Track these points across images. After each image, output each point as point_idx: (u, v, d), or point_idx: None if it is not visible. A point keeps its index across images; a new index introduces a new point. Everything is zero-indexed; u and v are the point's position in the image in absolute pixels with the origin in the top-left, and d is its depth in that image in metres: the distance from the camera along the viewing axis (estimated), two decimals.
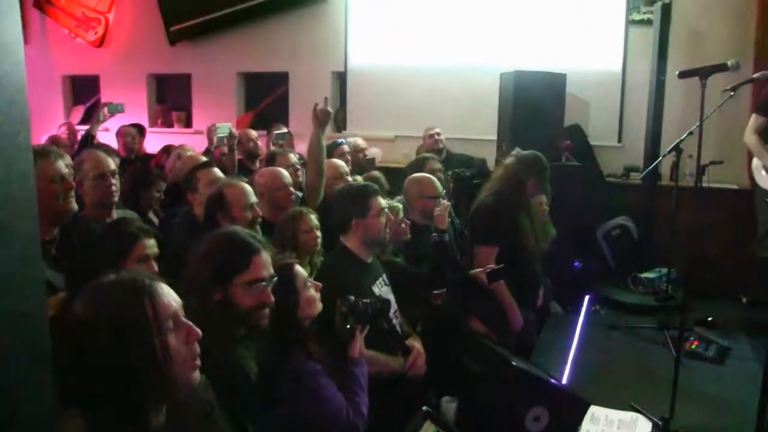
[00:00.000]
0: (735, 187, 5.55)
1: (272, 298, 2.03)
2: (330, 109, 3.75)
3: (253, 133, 5.68)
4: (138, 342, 1.33)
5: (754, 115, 4.77)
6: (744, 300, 5.19)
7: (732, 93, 3.62)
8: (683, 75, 3.52)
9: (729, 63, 3.46)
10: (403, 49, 6.96)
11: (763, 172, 4.72)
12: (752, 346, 4.51)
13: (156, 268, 2.31)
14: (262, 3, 7.42)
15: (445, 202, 3.80)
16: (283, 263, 2.26)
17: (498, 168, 4.26)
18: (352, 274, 2.92)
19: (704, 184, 3.80)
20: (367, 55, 7.18)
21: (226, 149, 4.89)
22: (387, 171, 5.39)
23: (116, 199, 3.15)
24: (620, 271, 5.68)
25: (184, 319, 1.42)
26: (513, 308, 3.81)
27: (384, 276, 3.14)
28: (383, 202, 3.14)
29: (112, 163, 3.16)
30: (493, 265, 3.65)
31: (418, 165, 4.58)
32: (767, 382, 2.45)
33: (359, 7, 7.14)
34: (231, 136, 4.82)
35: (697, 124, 3.42)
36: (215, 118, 6.37)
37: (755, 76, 3.84)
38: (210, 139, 5.01)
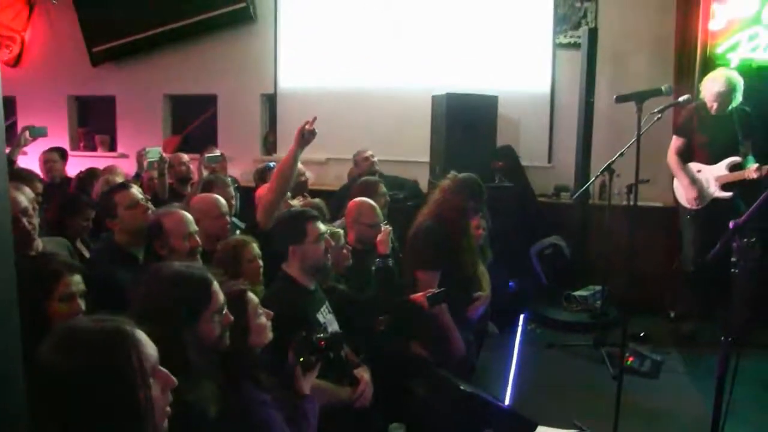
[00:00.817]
0: (661, 204, 5.74)
1: (231, 317, 2.05)
2: (317, 129, 3.49)
3: (185, 156, 5.52)
4: (123, 394, 1.27)
5: (674, 137, 4.98)
6: (672, 314, 5.35)
7: (660, 115, 3.74)
8: (620, 100, 3.62)
9: (663, 88, 3.61)
10: (333, 71, 6.94)
11: (682, 191, 4.91)
12: (682, 359, 4.68)
13: (83, 306, 2.18)
14: (190, 24, 7.25)
15: (387, 228, 3.78)
16: (236, 289, 2.22)
17: (435, 191, 4.24)
18: (298, 302, 2.86)
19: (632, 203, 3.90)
20: (297, 76, 7.13)
21: (156, 174, 4.76)
22: (319, 194, 5.34)
23: (35, 235, 2.87)
24: (554, 290, 5.76)
25: (160, 368, 1.37)
26: (454, 332, 3.77)
27: (327, 303, 3.08)
28: (322, 227, 3.08)
29: (24, 200, 2.85)
30: (433, 290, 3.62)
31: (368, 189, 4.45)
32: (719, 396, 2.50)
33: (289, 28, 7.09)
34: (161, 160, 4.72)
35: (628, 144, 3.53)
36: (141, 141, 6.19)
37: (681, 99, 3.97)
38: (140, 164, 4.85)
